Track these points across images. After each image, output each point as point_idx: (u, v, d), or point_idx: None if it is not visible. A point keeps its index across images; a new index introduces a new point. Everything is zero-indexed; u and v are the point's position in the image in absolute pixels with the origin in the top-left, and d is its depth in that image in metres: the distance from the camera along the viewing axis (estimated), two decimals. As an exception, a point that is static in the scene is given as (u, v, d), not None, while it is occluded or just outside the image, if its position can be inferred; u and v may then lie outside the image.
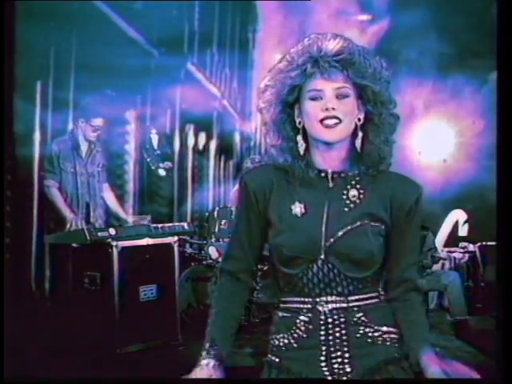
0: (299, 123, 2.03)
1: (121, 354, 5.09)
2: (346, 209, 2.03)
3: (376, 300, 2.07)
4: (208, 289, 6.13)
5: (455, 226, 7.52)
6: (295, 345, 2.08)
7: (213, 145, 8.77)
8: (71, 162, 5.75)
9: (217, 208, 6.89)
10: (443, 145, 7.56)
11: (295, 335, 2.08)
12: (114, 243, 5.19)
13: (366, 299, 2.05)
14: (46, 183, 5.70)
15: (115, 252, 5.17)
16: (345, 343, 2.04)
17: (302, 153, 2.04)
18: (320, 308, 2.05)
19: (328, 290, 2.04)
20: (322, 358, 2.04)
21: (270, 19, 8.28)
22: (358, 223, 2.01)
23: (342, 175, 2.04)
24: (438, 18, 7.05)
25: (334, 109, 1.98)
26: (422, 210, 2.09)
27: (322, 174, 2.05)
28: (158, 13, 6.97)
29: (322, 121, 1.99)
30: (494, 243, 5.74)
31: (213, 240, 6.49)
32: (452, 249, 6.60)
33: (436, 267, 6.52)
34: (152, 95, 7.65)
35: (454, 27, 7.03)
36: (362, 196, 2.04)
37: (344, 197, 2.04)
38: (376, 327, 2.05)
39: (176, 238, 5.62)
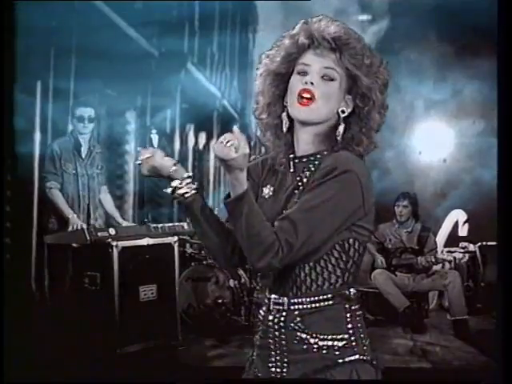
0: (287, 102, 2.02)
1: (121, 354, 5.09)
2: (296, 191, 2.02)
3: (320, 304, 1.99)
4: (208, 289, 6.14)
5: (455, 226, 7.51)
6: (258, 342, 2.09)
7: (213, 145, 8.77)
8: (72, 163, 5.74)
9: (217, 208, 6.88)
10: (443, 145, 7.55)
11: (259, 332, 2.09)
12: (114, 243, 5.18)
13: (309, 303, 1.99)
14: (49, 185, 5.66)
15: (115, 252, 5.17)
16: (284, 348, 2.01)
17: (285, 130, 2.04)
18: (271, 307, 2.04)
19: (282, 283, 2.00)
20: (272, 359, 2.03)
21: (270, 19, 8.27)
22: (294, 201, 1.99)
23: (304, 160, 2.04)
24: (438, 18, 7.05)
25: (312, 84, 1.96)
26: (329, 185, 1.91)
27: (289, 160, 2.06)
28: (158, 13, 6.97)
29: (299, 95, 1.97)
30: (494, 243, 5.74)
31: (213, 240, 6.48)
32: (452, 249, 6.59)
33: (436, 267, 6.53)
34: (152, 95, 7.65)
35: (453, 27, 7.02)
36: (309, 175, 2.02)
37: (298, 178, 2.04)
38: (312, 333, 1.98)
39: (176, 237, 5.61)
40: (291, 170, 2.05)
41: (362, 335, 2.00)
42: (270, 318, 2.04)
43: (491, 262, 6.67)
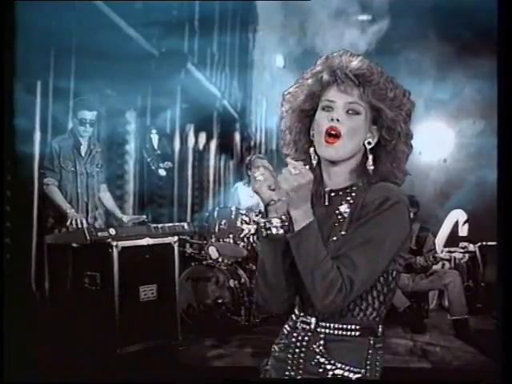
0: (313, 136, 2.03)
1: (121, 354, 5.09)
2: (336, 224, 2.01)
3: (347, 333, 2.00)
4: (208, 289, 6.14)
5: (455, 226, 7.52)
6: (276, 354, 2.10)
7: (213, 145, 8.78)
8: (71, 161, 5.76)
9: (217, 208, 6.89)
10: (443, 145, 7.55)
11: (280, 345, 2.10)
12: (114, 243, 5.18)
13: (337, 329, 2.00)
14: (46, 181, 5.70)
15: (115, 252, 5.16)
16: (301, 366, 2.03)
17: (314, 164, 2.04)
18: (298, 325, 2.06)
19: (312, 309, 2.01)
20: (287, 373, 2.05)
21: (270, 19, 8.27)
22: (340, 235, 1.98)
23: (340, 193, 2.04)
24: (438, 18, 7.05)
25: (338, 120, 1.98)
26: (385, 217, 1.92)
27: (322, 193, 2.06)
28: (158, 13, 6.97)
29: (326, 133, 1.98)
30: (494, 243, 5.74)
31: (213, 240, 6.49)
32: (452, 249, 6.60)
33: (436, 267, 6.53)
34: (152, 95, 7.66)
35: (454, 27, 7.03)
36: (350, 209, 2.01)
37: (337, 212, 2.03)
38: (331, 360, 1.99)
39: (176, 237, 5.62)
40: (326, 204, 2.04)
41: (377, 374, 2.02)
42: (295, 334, 2.05)
43: (491, 262, 6.67)
